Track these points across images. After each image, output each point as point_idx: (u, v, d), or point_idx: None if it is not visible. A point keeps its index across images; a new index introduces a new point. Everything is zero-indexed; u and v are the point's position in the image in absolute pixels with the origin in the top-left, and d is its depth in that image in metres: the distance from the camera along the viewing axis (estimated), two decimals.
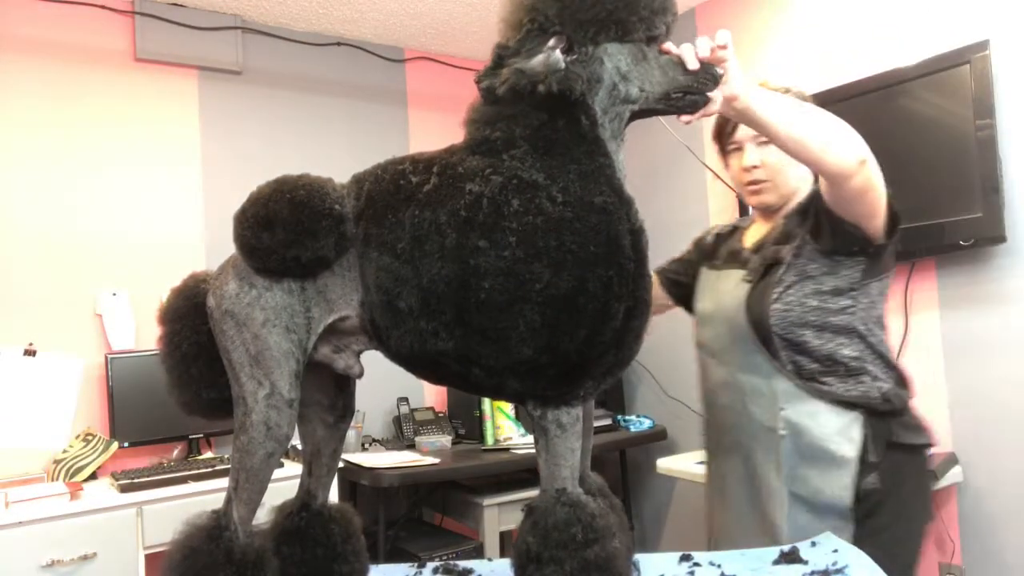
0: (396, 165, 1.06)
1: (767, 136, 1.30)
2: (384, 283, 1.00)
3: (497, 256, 0.94)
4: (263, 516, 1.12)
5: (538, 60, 0.96)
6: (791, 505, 1.43)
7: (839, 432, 1.42)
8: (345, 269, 1.05)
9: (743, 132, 1.53)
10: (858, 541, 1.37)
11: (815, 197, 1.49)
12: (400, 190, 1.03)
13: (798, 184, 1.58)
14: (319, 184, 1.05)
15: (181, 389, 1.15)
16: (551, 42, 0.98)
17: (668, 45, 1.06)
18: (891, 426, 1.45)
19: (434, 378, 1.07)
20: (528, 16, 1.00)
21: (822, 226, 1.46)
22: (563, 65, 0.97)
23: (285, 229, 1.02)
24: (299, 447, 1.17)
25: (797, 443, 1.43)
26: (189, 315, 1.13)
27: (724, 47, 1.10)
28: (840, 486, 1.41)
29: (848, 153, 1.31)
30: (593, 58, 1.00)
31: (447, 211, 0.98)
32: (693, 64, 1.04)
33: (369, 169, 1.09)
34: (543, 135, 0.99)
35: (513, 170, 0.98)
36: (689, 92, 1.05)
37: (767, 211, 1.61)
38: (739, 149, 1.58)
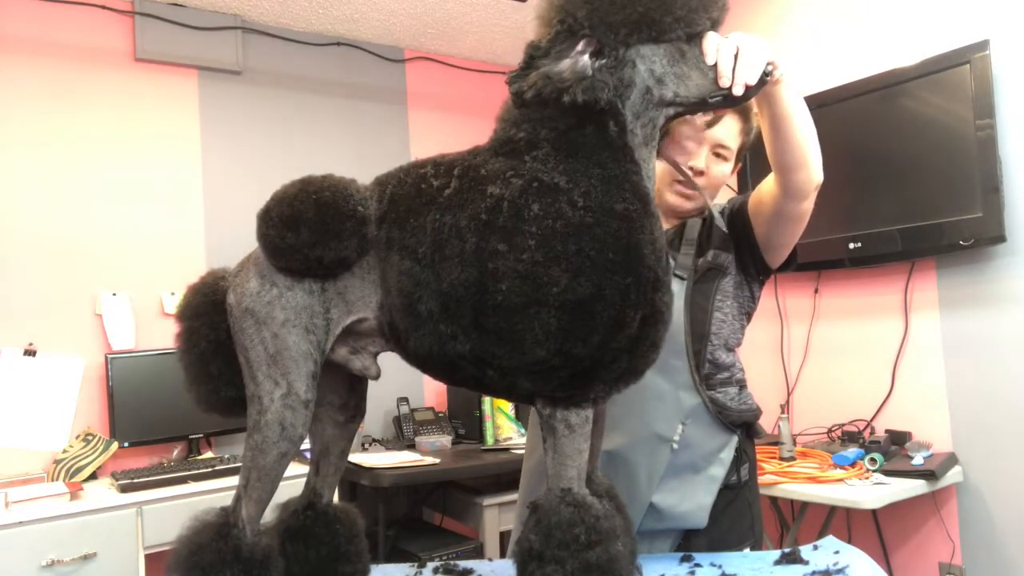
0: (418, 168, 1.06)
1: (778, 123, 1.24)
2: (405, 286, 1.00)
3: (516, 259, 0.93)
4: (267, 514, 1.12)
5: (565, 65, 0.94)
6: (647, 513, 1.42)
7: (714, 453, 1.44)
8: (365, 271, 1.05)
9: (716, 133, 1.46)
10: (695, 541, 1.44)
11: (737, 211, 1.49)
12: (422, 194, 1.03)
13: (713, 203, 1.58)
14: (343, 185, 1.05)
15: (199, 387, 1.14)
16: (579, 46, 0.95)
17: (709, 49, 0.99)
18: (750, 430, 1.53)
19: (448, 379, 1.07)
20: (557, 16, 0.96)
21: (740, 242, 1.48)
22: (590, 72, 0.94)
23: (310, 229, 1.02)
24: (300, 449, 1.18)
25: (678, 456, 1.42)
26: (207, 312, 1.12)
27: (774, 64, 1.04)
28: (697, 503, 1.42)
29: (819, 172, 1.32)
30: (624, 61, 0.96)
31: (467, 215, 0.97)
32: (739, 92, 0.99)
33: (392, 171, 1.09)
34: (569, 138, 0.97)
35: (534, 172, 0.97)
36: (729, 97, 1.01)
37: (674, 214, 1.55)
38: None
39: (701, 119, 1.43)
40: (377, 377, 1.15)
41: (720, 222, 1.46)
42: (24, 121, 3.02)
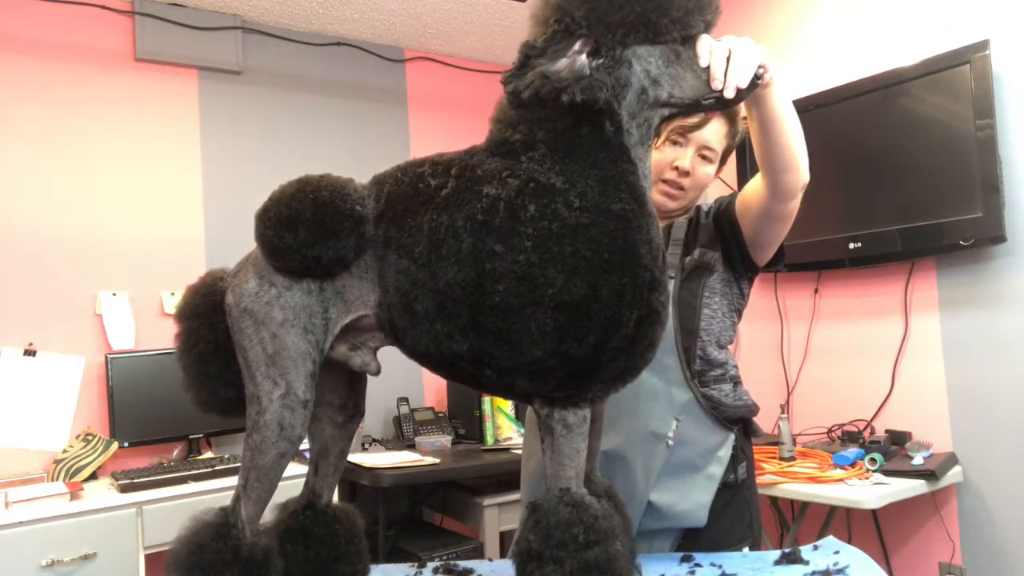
0: (416, 168, 1.06)
1: (767, 126, 1.25)
2: (402, 286, 1.01)
3: (512, 260, 0.94)
4: (266, 514, 1.12)
5: (562, 64, 0.94)
6: (645, 512, 1.43)
7: (712, 451, 1.45)
8: (363, 270, 1.06)
9: (702, 135, 1.47)
10: (691, 538, 1.44)
11: (724, 210, 1.51)
12: (419, 193, 1.03)
13: (695, 205, 1.59)
14: (341, 185, 1.06)
15: (198, 387, 1.15)
16: (576, 45, 0.95)
17: (702, 51, 1.00)
18: (747, 428, 1.55)
19: (448, 376, 1.08)
20: (555, 16, 0.97)
21: (728, 241, 1.50)
22: (588, 72, 0.94)
23: (307, 229, 1.02)
24: (299, 449, 1.18)
25: (675, 454, 1.43)
26: (206, 312, 1.13)
27: (765, 67, 1.05)
28: (696, 502, 1.43)
29: (807, 173, 1.33)
30: (621, 61, 0.96)
31: (464, 215, 0.98)
32: (731, 95, 1.00)
33: (389, 171, 1.10)
34: (565, 139, 0.98)
35: (530, 173, 0.97)
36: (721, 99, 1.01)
37: (659, 214, 1.53)
38: (682, 145, 1.48)
39: (690, 120, 1.45)
40: (377, 373, 1.15)
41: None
42: (24, 121, 3.02)
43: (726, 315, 1.52)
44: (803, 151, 1.30)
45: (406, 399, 3.66)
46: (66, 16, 3.12)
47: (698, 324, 1.47)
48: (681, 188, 1.50)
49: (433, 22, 3.72)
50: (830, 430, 2.97)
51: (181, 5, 3.33)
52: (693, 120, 1.45)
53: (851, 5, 3.00)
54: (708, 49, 1.00)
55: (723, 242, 1.51)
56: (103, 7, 3.19)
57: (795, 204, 1.38)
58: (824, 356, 3.11)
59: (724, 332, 1.52)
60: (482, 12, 3.64)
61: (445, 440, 3.41)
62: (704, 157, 1.49)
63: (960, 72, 2.56)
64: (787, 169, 1.30)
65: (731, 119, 1.50)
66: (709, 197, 1.60)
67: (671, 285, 1.45)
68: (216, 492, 2.71)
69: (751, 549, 1.49)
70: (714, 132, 1.48)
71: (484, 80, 4.19)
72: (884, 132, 2.79)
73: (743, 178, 3.14)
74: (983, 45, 2.50)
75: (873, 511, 2.86)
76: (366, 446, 3.39)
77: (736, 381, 1.53)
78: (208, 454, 3.11)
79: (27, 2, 3.06)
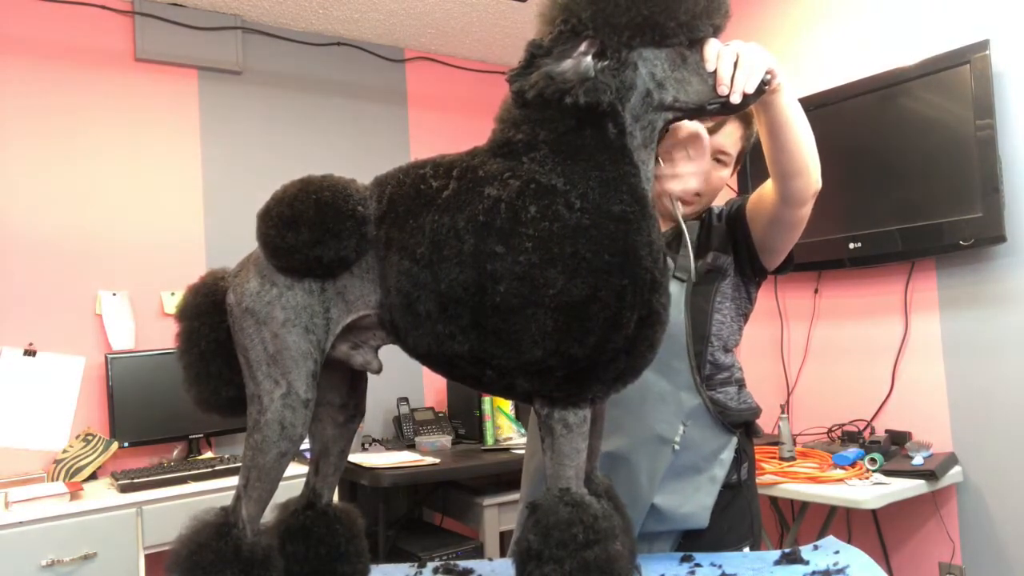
0: (418, 169, 1.07)
1: (776, 130, 1.25)
2: (404, 287, 1.01)
3: (513, 261, 0.94)
4: (266, 514, 1.12)
5: (568, 65, 0.94)
6: (648, 514, 1.42)
7: (715, 454, 1.45)
8: (364, 271, 1.06)
9: (717, 140, 1.47)
10: (693, 538, 1.44)
11: (735, 214, 1.50)
12: (420, 195, 1.03)
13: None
14: (343, 185, 1.06)
15: (199, 387, 1.15)
16: (582, 47, 0.95)
17: (709, 56, 1.00)
18: (749, 429, 1.54)
19: (449, 376, 1.08)
20: (561, 16, 0.97)
21: (739, 246, 1.49)
22: (593, 73, 0.94)
23: (310, 229, 1.02)
24: (300, 448, 1.18)
25: (679, 458, 1.42)
26: (208, 312, 1.13)
27: (772, 73, 1.05)
28: (699, 505, 1.43)
29: (818, 179, 1.33)
30: (626, 63, 0.96)
31: (465, 216, 0.98)
32: (736, 100, 1.00)
33: (391, 172, 1.10)
34: (567, 140, 0.98)
35: (531, 174, 0.97)
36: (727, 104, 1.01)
37: (671, 217, 1.52)
38: None
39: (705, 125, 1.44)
40: (379, 371, 1.15)
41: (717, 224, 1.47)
42: (24, 121, 3.02)
43: (734, 319, 1.52)
44: (814, 157, 1.29)
45: (406, 399, 3.66)
46: (66, 16, 3.12)
47: (710, 329, 1.47)
48: (696, 194, 1.48)
49: (433, 22, 3.72)
50: (830, 430, 2.97)
51: (181, 5, 3.33)
52: (707, 125, 1.43)
53: (851, 5, 3.00)
54: (715, 53, 0.99)
55: (733, 246, 1.50)
56: (103, 7, 3.19)
57: (806, 210, 1.37)
58: (824, 356, 3.11)
59: (732, 336, 1.52)
60: (482, 12, 3.64)
61: (445, 440, 3.41)
62: (718, 161, 1.48)
63: (960, 72, 2.56)
64: (797, 174, 1.29)
65: (746, 122, 1.49)
66: (718, 199, 1.59)
67: (683, 289, 1.44)
68: (216, 492, 2.71)
69: (751, 549, 1.49)
70: (728, 136, 1.47)
71: (484, 80, 4.19)
72: (884, 132, 2.79)
73: (743, 180, 3.13)
74: (983, 45, 2.50)
75: (873, 511, 2.87)
76: (366, 446, 3.39)
77: (741, 384, 1.53)
78: (208, 454, 3.11)
79: (27, 2, 3.06)
